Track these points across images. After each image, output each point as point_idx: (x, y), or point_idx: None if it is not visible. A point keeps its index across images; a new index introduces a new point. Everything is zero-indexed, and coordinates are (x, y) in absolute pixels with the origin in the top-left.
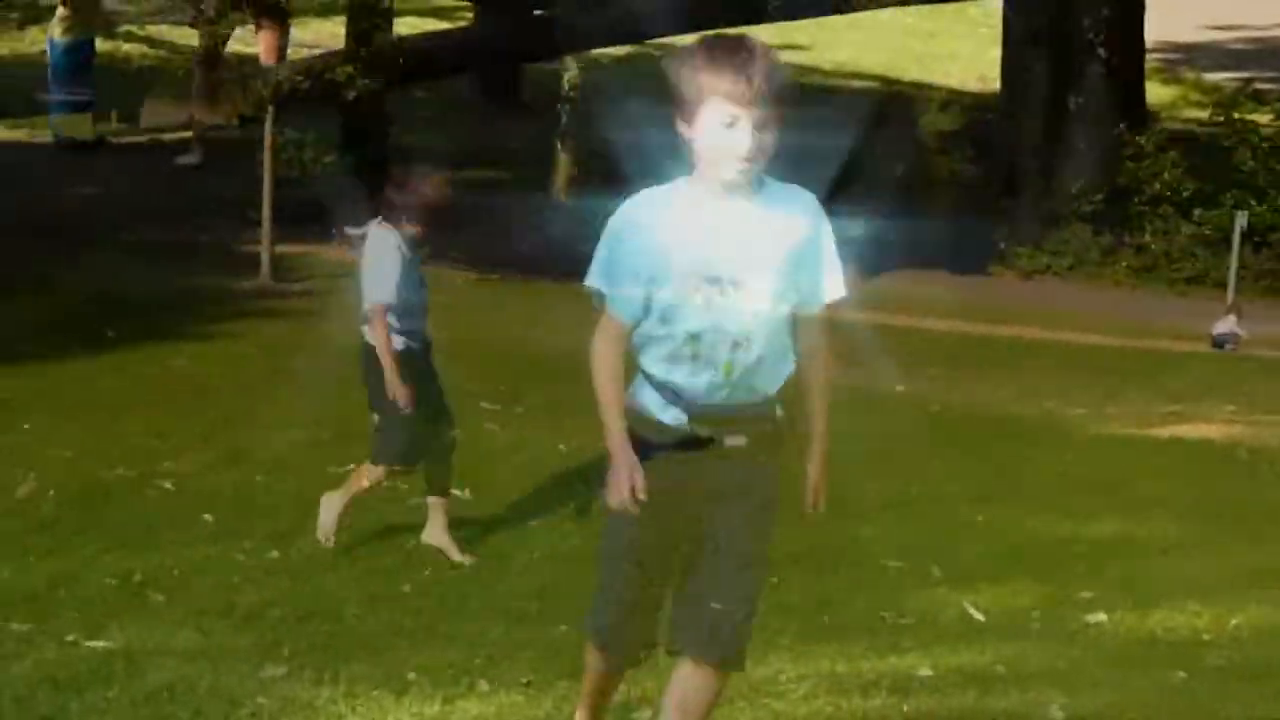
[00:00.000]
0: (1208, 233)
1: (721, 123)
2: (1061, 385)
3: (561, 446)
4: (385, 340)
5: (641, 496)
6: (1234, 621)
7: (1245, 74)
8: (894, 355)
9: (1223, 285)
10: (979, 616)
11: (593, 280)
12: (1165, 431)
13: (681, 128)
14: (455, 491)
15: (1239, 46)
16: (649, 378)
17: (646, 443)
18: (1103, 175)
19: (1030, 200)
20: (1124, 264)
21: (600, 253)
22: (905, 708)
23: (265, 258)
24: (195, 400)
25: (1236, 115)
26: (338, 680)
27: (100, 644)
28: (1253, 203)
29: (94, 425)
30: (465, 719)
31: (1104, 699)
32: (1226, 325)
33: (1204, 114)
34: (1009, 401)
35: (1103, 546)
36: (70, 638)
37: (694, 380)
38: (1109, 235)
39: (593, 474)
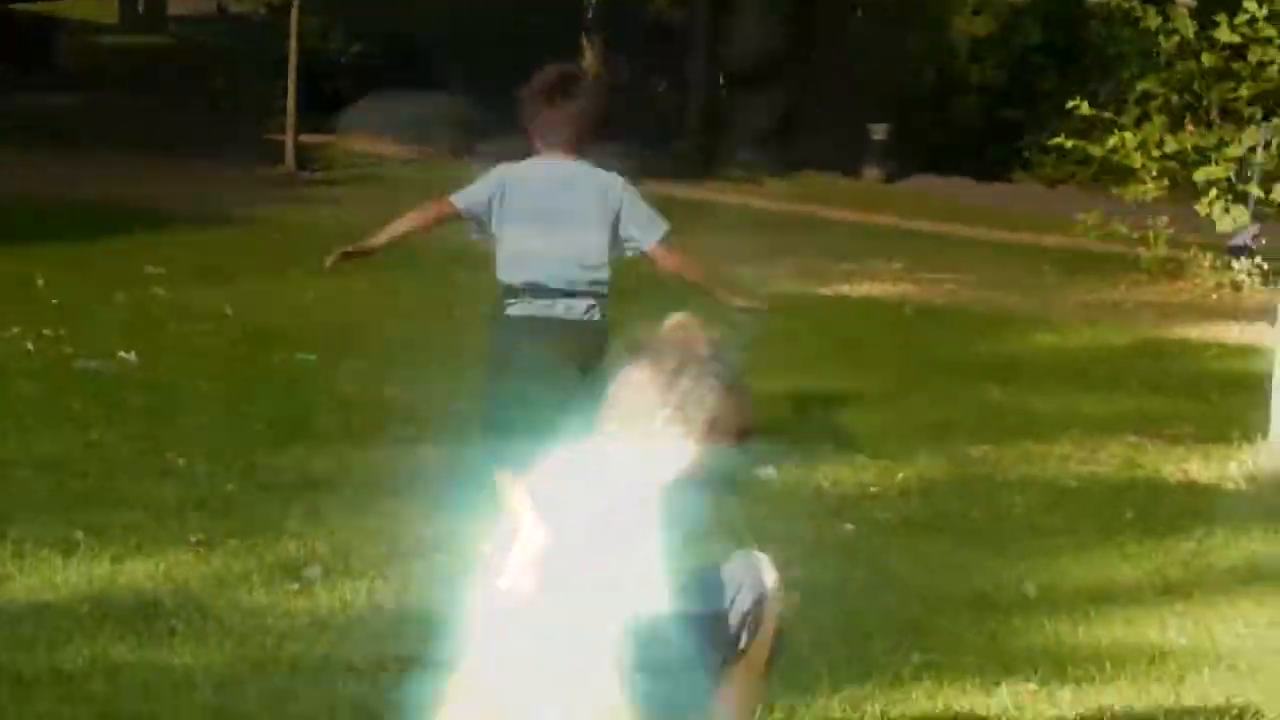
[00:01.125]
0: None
1: None
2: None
3: (228, 309)
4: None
5: None
6: (900, 475)
7: None
8: None
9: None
10: None
11: None
12: (834, 290)
13: None
14: (122, 353)
15: None
16: None
17: None
18: None
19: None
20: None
21: None
22: None
23: (290, 146)
24: None
25: None
26: (4, 540)
27: None
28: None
29: None
30: (135, 577)
31: (772, 551)
32: (1242, 237)
33: None
34: None
35: (768, 401)
36: None
37: None
38: None
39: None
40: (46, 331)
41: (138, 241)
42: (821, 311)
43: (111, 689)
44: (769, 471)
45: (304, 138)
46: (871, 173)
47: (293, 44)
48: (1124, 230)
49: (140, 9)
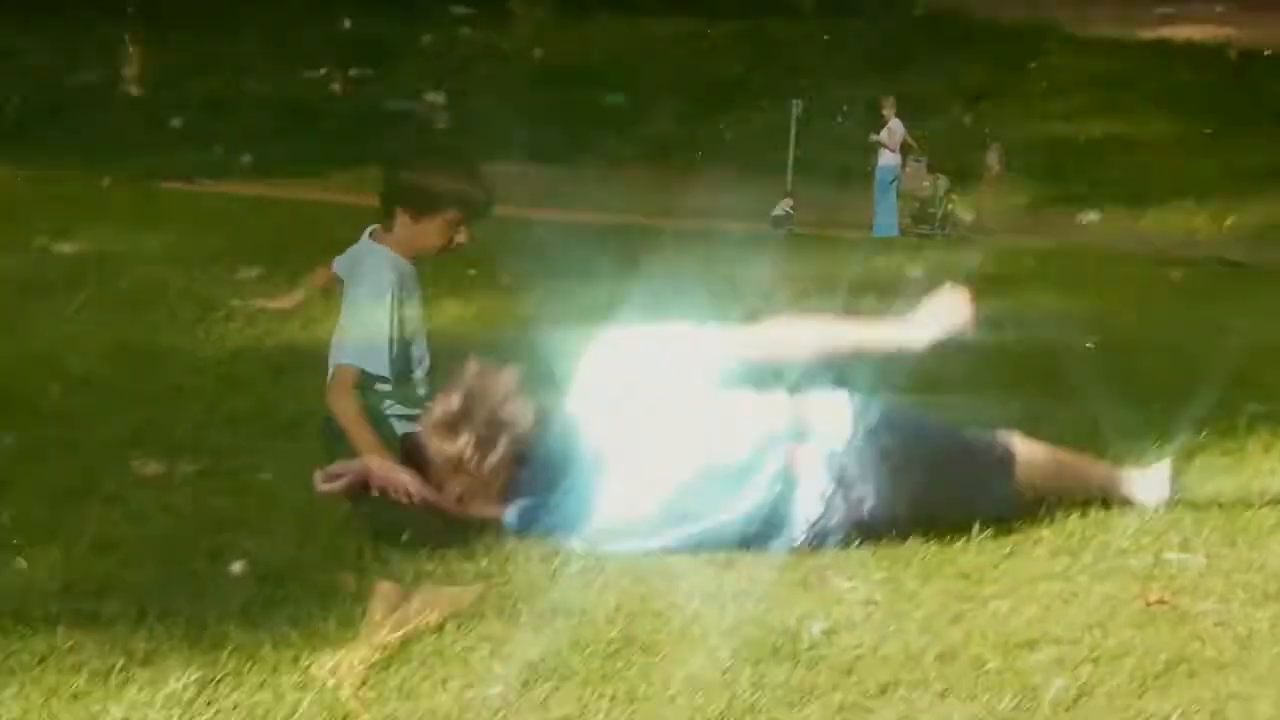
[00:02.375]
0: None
1: None
2: None
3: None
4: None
5: None
6: (1228, 221)
7: None
8: None
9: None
10: (967, 217)
11: None
12: (1155, 33)
13: None
14: (429, 94)
15: None
16: None
17: None
18: None
19: None
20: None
21: None
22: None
23: None
24: None
25: None
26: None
27: (69, 247)
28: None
29: None
30: (447, 319)
31: (1090, 300)
32: (782, 209)
33: None
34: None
35: (1096, 145)
36: (39, 242)
37: None
38: None
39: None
40: (353, 72)
41: None
42: (1142, 56)
43: None
44: (1091, 216)
45: None
46: None
47: None
48: None
49: None
